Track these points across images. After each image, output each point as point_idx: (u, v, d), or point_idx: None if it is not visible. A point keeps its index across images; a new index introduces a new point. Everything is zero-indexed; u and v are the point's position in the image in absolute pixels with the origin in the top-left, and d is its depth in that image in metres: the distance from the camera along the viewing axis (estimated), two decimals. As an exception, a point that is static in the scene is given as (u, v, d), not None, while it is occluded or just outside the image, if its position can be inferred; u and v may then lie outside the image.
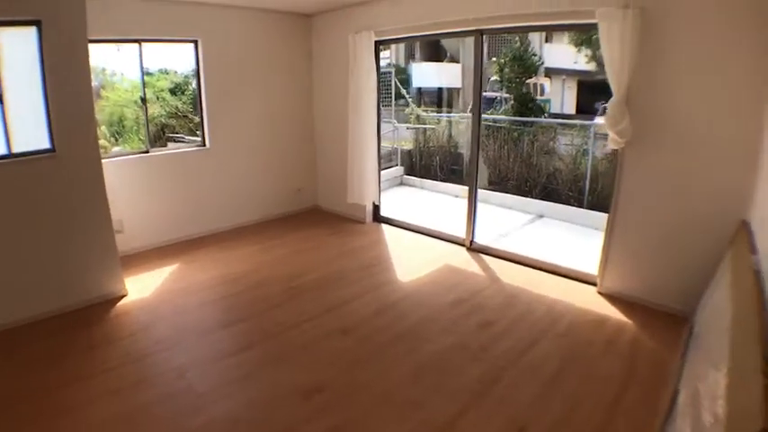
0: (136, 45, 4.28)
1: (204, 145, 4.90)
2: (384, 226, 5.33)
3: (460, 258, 4.37)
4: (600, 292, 3.64)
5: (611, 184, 3.56)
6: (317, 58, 5.54)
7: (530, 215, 6.19)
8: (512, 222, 5.83)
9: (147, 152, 4.56)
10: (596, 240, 3.83)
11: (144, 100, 4.54)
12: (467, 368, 2.73)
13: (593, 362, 2.79)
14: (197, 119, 5.00)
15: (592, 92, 9.48)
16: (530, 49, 8.70)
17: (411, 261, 4.30)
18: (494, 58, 9.00)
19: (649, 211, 3.32)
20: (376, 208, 5.41)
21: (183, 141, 6.23)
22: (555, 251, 4.42)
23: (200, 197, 4.89)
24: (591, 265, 3.82)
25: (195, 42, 4.64)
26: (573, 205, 6.19)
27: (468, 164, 5.20)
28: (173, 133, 6.70)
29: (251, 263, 4.28)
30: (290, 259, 4.38)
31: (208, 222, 5.01)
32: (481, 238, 4.58)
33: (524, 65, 8.28)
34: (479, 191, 4.68)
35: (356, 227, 5.31)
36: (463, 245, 4.61)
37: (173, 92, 6.72)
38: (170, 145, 6.05)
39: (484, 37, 4.12)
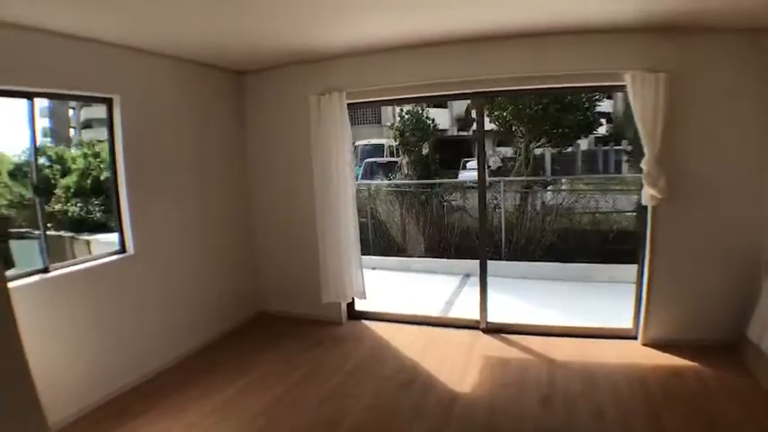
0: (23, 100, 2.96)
1: (124, 250, 3.56)
2: (367, 323, 4.70)
3: (486, 343, 4.17)
4: (645, 344, 3.93)
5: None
6: (253, 125, 4.76)
7: (457, 276, 6.43)
8: (450, 288, 5.95)
9: (47, 270, 3.06)
10: (564, 289, 4.14)
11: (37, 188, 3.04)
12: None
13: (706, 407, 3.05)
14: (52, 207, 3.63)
15: (450, 149, 10.71)
16: (423, 114, 9.29)
17: (443, 363, 3.84)
18: (387, 123, 9.30)
19: (683, 256, 3.79)
20: (350, 303, 4.73)
21: (31, 237, 4.46)
22: (553, 311, 4.62)
23: (127, 327, 3.52)
24: (621, 320, 4.16)
25: (110, 101, 3.43)
26: (494, 258, 6.63)
27: (479, 234, 4.99)
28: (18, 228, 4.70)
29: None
30: (288, 416, 3.21)
31: (141, 362, 3.61)
32: (494, 317, 4.43)
33: (422, 128, 8.75)
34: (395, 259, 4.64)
35: (335, 331, 4.55)
36: (477, 327, 4.40)
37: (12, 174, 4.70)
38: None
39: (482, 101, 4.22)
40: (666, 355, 3.74)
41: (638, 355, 3.82)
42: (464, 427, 3.01)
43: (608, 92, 7.26)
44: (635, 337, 4.03)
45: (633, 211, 7.06)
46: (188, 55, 3.90)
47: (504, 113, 7.63)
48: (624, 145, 13.07)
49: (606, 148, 9.12)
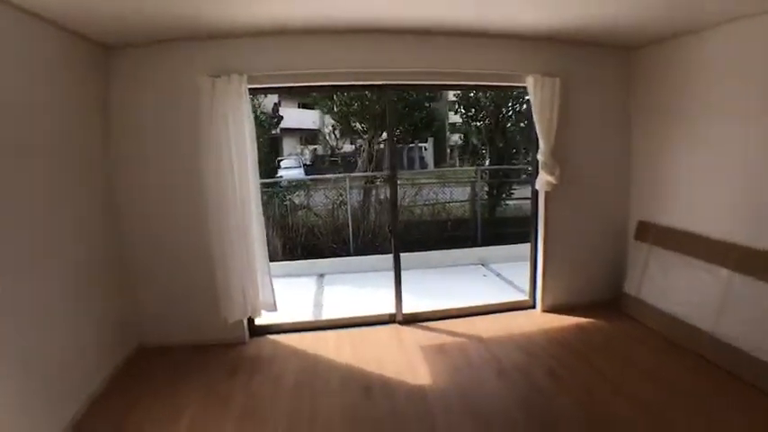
0: None
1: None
2: (273, 337, 4.26)
3: (411, 334, 4.29)
4: (544, 311, 4.66)
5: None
6: (123, 113, 3.81)
7: (311, 277, 6.40)
8: (310, 290, 5.92)
9: None
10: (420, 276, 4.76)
11: None
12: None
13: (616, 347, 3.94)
14: None
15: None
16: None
17: (384, 361, 3.81)
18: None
19: (570, 233, 4.62)
20: (250, 319, 4.20)
21: None
22: (435, 297, 4.99)
23: None
24: (517, 294, 4.86)
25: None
26: (341, 255, 6.84)
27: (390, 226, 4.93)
28: None
29: None
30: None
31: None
32: (401, 308, 4.55)
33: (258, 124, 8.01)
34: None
35: (243, 352, 4.01)
36: (393, 321, 4.49)
37: None
38: None
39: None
40: (566, 317, 4.54)
41: (544, 320, 4.53)
42: (454, 419, 3.05)
43: (510, 91, 8.11)
44: (533, 307, 4.76)
45: (467, 201, 8.09)
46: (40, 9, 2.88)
47: (350, 109, 7.85)
48: (455, 142, 14.70)
49: (412, 145, 10.19)
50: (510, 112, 8.58)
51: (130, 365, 3.80)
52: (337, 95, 7.63)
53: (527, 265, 4.80)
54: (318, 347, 4.08)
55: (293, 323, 4.47)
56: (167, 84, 3.81)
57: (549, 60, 4.24)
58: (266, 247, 4.04)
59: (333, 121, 8.79)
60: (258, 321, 4.28)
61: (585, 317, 4.52)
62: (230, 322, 3.94)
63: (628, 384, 3.38)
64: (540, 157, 4.30)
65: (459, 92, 8.53)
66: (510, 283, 6.00)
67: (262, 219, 4.01)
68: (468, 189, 8.21)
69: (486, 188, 8.33)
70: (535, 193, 4.62)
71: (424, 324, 4.47)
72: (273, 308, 4.09)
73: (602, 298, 4.77)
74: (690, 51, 3.97)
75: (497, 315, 4.66)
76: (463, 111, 8.89)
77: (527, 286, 4.90)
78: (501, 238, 7.60)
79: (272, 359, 3.89)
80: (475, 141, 9.61)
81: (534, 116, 4.22)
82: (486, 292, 5.44)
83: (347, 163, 9.35)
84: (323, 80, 4.08)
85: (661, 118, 4.33)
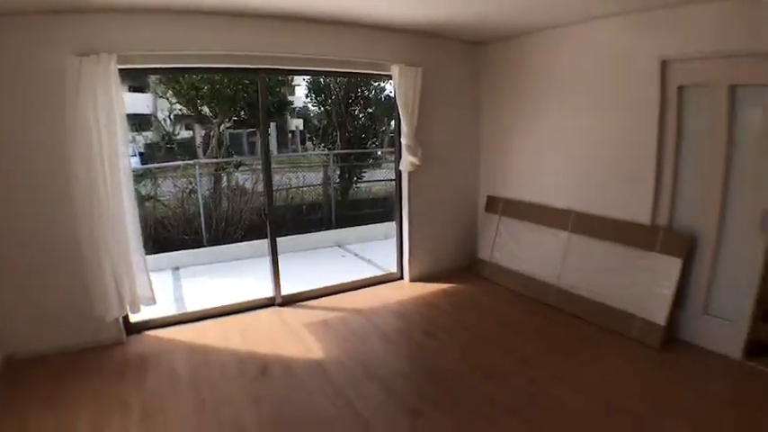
0: None
1: None
2: (152, 333, 4.14)
3: (293, 314, 4.52)
4: (412, 281, 5.30)
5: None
6: None
7: (165, 271, 6.17)
8: (167, 284, 5.76)
9: None
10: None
11: None
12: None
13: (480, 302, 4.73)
14: None
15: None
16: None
17: (275, 342, 4.00)
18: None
19: (431, 208, 5.29)
20: (125, 317, 4.00)
21: None
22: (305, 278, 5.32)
23: None
24: (377, 271, 5.51)
25: None
26: (194, 247, 6.71)
27: (266, 211, 4.83)
28: None
29: None
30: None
31: None
32: (280, 290, 4.76)
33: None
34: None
35: (124, 352, 3.84)
36: (273, 303, 4.68)
37: None
38: None
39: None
40: (432, 284, 5.24)
41: (413, 289, 5.17)
42: (356, 384, 3.38)
43: (378, 79, 8.17)
44: (401, 278, 5.38)
45: (320, 185, 8.36)
46: None
47: (199, 92, 7.43)
48: (296, 126, 14.45)
49: (252, 130, 10.02)
50: (359, 98, 9.09)
51: (2, 380, 3.42)
52: (184, 78, 7.29)
53: (382, 244, 5.42)
54: (204, 338, 4.11)
55: (170, 317, 4.41)
56: (25, 62, 3.45)
57: (412, 51, 4.79)
58: (141, 238, 3.90)
59: (170, 105, 8.38)
60: (133, 318, 4.12)
61: (449, 282, 5.27)
62: (108, 321, 3.77)
63: (495, 335, 4.10)
64: (403, 140, 4.83)
65: (308, 77, 8.78)
66: (369, 261, 6.52)
67: (135, 207, 3.88)
68: (321, 174, 8.54)
69: (338, 172, 8.76)
70: (399, 174, 5.16)
71: (303, 304, 4.77)
72: (153, 301, 4.01)
73: (461, 265, 5.63)
74: (529, 49, 4.88)
75: (369, 289, 5.17)
76: (314, 96, 9.18)
77: (385, 263, 5.53)
78: (355, 220, 8.08)
79: (158, 355, 3.82)
80: (316, 124, 9.96)
81: (398, 102, 4.73)
82: (349, 271, 5.83)
83: (185, 150, 8.91)
84: (196, 62, 4.07)
85: (505, 105, 5.22)
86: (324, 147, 9.33)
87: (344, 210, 8.46)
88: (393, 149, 5.39)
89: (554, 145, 4.81)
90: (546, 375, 3.49)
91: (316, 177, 8.69)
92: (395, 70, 4.66)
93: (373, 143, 9.54)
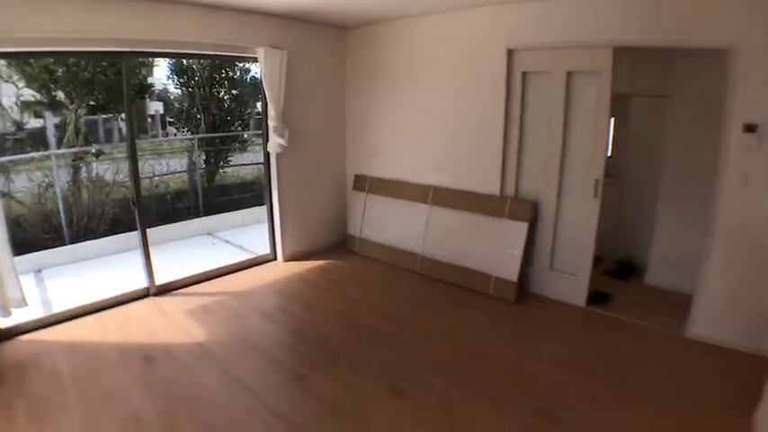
0: None
1: None
2: (25, 338, 3.85)
3: (170, 303, 4.51)
4: (286, 261, 5.50)
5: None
6: None
7: (26, 275, 5.61)
8: (30, 286, 5.34)
9: None
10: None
11: None
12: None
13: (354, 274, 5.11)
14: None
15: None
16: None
17: (156, 331, 3.98)
18: None
19: (301, 189, 5.48)
20: None
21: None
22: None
23: None
24: (260, 250, 5.59)
25: None
26: (55, 246, 6.20)
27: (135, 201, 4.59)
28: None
29: None
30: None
31: None
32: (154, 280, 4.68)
33: None
34: None
35: (3, 361, 3.53)
36: (147, 294, 4.60)
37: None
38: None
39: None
40: (306, 262, 5.50)
41: (288, 268, 5.37)
42: (242, 359, 3.56)
43: (244, 62, 7.71)
44: (275, 259, 5.53)
45: (185, 171, 8.08)
46: None
47: (53, 76, 6.64)
48: (155, 110, 13.36)
49: (108, 116, 9.17)
50: (224, 79, 8.88)
51: None
52: (36, 60, 6.54)
53: (253, 229, 5.55)
54: (81, 335, 3.94)
55: (42, 318, 4.11)
56: None
57: (278, 35, 4.90)
58: (7, 236, 3.63)
59: (16, 90, 7.47)
60: (3, 324, 3.82)
61: (322, 259, 5.56)
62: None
63: (370, 303, 4.49)
64: (270, 122, 4.96)
65: (170, 59, 8.37)
66: (240, 247, 6.53)
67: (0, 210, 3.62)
68: (185, 160, 8.25)
69: (204, 157, 8.55)
70: (267, 156, 5.26)
71: (179, 292, 4.73)
72: (23, 303, 3.78)
73: (333, 241, 5.93)
74: (389, 34, 5.25)
75: (245, 272, 5.28)
76: (176, 77, 8.79)
77: (257, 247, 5.69)
78: (224, 207, 7.95)
79: (35, 357, 3.60)
80: (178, 108, 9.53)
81: (264, 84, 4.84)
82: (221, 258, 5.78)
83: (36, 140, 8.01)
84: (55, 46, 3.79)
85: (368, 88, 5.56)
86: (187, 131, 9.00)
87: (212, 196, 8.24)
88: (260, 132, 5.48)
89: (412, 126, 5.28)
90: (415, 330, 3.97)
91: (180, 164, 8.39)
92: (260, 53, 4.74)
93: (240, 126, 9.41)
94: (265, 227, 5.55)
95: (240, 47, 4.77)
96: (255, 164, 9.24)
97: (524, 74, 4.49)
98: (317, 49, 5.41)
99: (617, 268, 5.37)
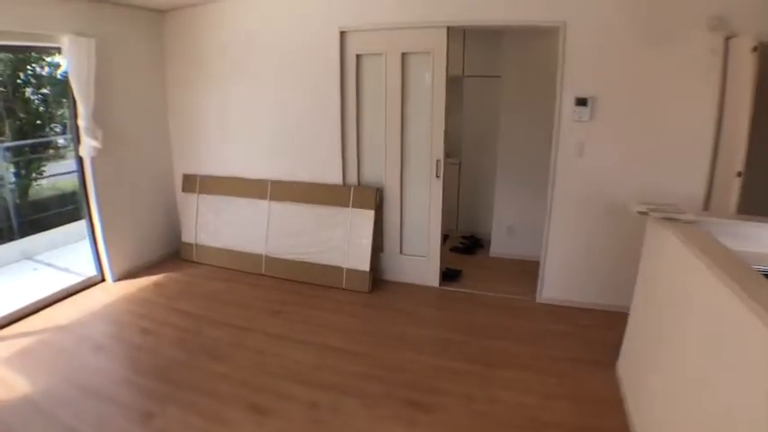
0: None
1: None
2: None
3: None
4: (117, 280, 4.79)
5: None
6: None
7: None
8: None
9: None
10: None
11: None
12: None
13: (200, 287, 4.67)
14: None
15: None
16: None
17: None
18: None
19: (123, 196, 4.82)
20: None
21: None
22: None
23: None
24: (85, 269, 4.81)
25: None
26: None
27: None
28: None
29: None
30: None
31: None
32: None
33: None
34: None
35: None
36: None
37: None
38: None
39: None
40: (139, 279, 4.85)
41: (119, 289, 4.65)
42: (76, 408, 2.98)
43: (46, 53, 6.17)
44: (104, 280, 4.77)
45: None
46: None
47: None
48: None
49: None
50: (31, 77, 7.57)
51: None
52: None
53: (79, 247, 4.79)
54: None
55: None
56: None
57: (84, 21, 4.18)
58: None
59: None
60: None
61: (157, 273, 4.94)
62: None
63: (213, 315, 4.06)
64: (81, 122, 4.24)
65: None
66: (66, 270, 5.53)
67: None
68: None
69: (13, 169, 7.28)
70: (80, 162, 4.52)
71: None
72: None
73: (166, 252, 5.33)
74: (210, 17, 4.76)
75: (71, 299, 4.46)
76: None
77: (86, 267, 4.84)
78: (41, 224, 6.86)
79: None
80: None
81: (71, 79, 4.11)
82: (45, 287, 4.81)
83: None
84: None
85: (191, 78, 5.00)
86: None
87: (27, 214, 7.15)
88: (48, 139, 4.72)
89: (242, 117, 4.88)
90: (266, 338, 3.67)
91: None
92: (64, 42, 4.01)
93: (52, 130, 8.18)
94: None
95: (40, 35, 3.97)
96: (74, 172, 8.07)
97: (358, 56, 4.31)
98: (130, 35, 4.72)
99: (463, 244, 5.51)
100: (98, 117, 4.29)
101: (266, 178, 4.83)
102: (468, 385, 3.06)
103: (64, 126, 8.66)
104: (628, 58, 3.59)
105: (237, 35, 4.69)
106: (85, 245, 4.78)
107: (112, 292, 4.60)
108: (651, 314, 2.68)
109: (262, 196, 4.82)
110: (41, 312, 4.23)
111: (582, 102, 3.72)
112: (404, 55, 4.17)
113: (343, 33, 4.26)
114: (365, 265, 4.38)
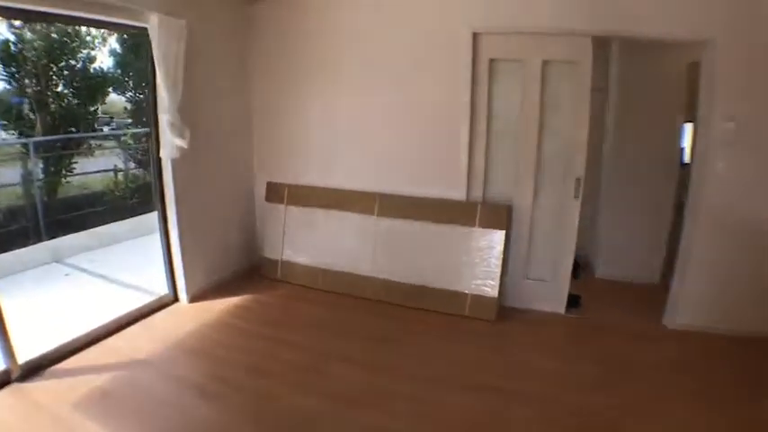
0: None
1: None
2: None
3: (47, 393, 2.86)
4: (192, 301, 4.06)
5: None
6: None
7: None
8: None
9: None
10: None
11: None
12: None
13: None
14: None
15: None
16: None
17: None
18: None
19: (204, 205, 4.13)
20: None
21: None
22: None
23: None
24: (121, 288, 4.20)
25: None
26: None
27: None
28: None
29: None
30: None
31: None
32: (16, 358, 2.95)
33: None
34: None
35: None
36: (8, 381, 2.88)
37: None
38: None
39: None
40: (218, 300, 4.12)
41: (198, 312, 3.92)
42: None
43: (86, 46, 5.27)
44: (177, 300, 4.06)
45: (18, 184, 5.90)
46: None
47: None
48: None
49: None
50: (64, 69, 6.70)
51: None
52: None
53: (111, 252, 4.15)
54: None
55: None
56: None
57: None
58: None
59: None
60: None
61: (237, 293, 4.23)
62: None
63: (331, 349, 3.41)
64: (165, 116, 3.53)
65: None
66: (102, 277, 4.89)
67: None
68: (19, 169, 6.07)
69: (42, 165, 6.42)
70: (157, 164, 3.81)
71: (55, 369, 3.09)
72: None
73: (242, 268, 4.65)
74: (318, 7, 4.11)
75: (139, 325, 3.69)
76: (1, 66, 6.37)
77: (129, 275, 4.30)
78: (71, 225, 6.00)
79: None
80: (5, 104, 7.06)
81: (157, 65, 3.41)
82: (83, 297, 4.30)
83: None
84: None
85: (288, 74, 4.37)
86: (18, 133, 6.75)
87: (56, 212, 6.29)
88: (110, 133, 4.01)
89: (349, 123, 4.24)
90: (412, 381, 3.03)
91: (11, 174, 6.19)
92: (153, 21, 3.31)
93: (86, 126, 7.32)
94: (128, 246, 4.15)
95: (123, 9, 3.23)
96: (104, 171, 7.35)
97: (492, 61, 3.75)
98: (216, 18, 4.03)
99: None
100: (184, 112, 3.59)
101: (374, 191, 4.18)
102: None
103: (92, 124, 7.82)
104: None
105: (349, 30, 4.08)
106: (116, 250, 4.09)
107: (192, 315, 3.88)
108: None
109: (368, 211, 4.15)
110: (108, 340, 3.46)
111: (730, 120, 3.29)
112: (544, 63, 3.64)
113: (476, 35, 3.69)
114: (493, 291, 3.79)
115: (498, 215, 3.80)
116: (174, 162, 3.75)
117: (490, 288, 3.80)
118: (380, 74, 4.04)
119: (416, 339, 3.57)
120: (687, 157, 4.54)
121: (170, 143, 3.61)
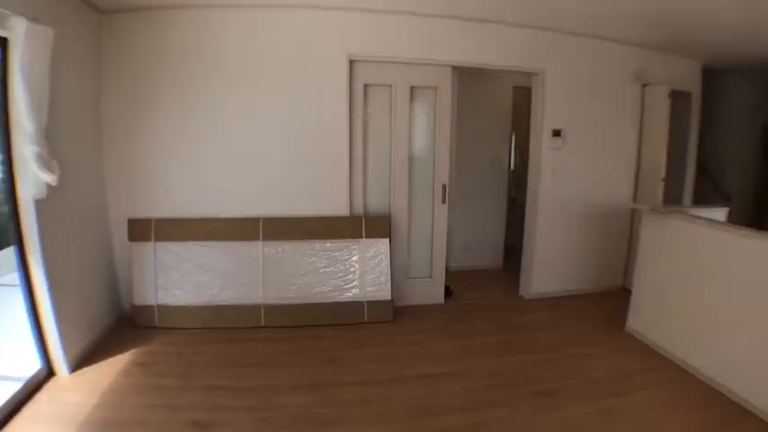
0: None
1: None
2: None
3: None
4: (74, 370, 3.27)
5: None
6: None
7: None
8: None
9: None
10: None
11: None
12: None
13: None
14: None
15: None
16: None
17: None
18: None
19: (69, 254, 3.41)
20: None
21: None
22: None
23: None
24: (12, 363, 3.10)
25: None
26: None
27: None
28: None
29: None
30: None
31: None
32: None
33: None
34: None
35: None
36: None
37: None
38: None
39: None
40: (105, 362, 3.41)
41: (87, 384, 3.14)
42: None
43: None
44: (52, 374, 3.20)
45: None
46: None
47: None
48: None
49: None
50: None
51: None
52: None
53: None
54: None
55: None
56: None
57: (37, 4, 2.92)
58: None
59: None
60: None
61: (118, 351, 3.54)
62: None
63: (267, 382, 3.20)
64: (29, 146, 2.83)
65: None
66: None
67: None
68: None
69: None
70: (13, 207, 2.99)
71: None
72: None
73: (110, 322, 3.92)
74: (178, 27, 3.88)
75: (21, 418, 2.73)
76: None
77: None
78: None
79: None
80: None
81: (21, 82, 2.74)
82: None
83: None
84: None
85: (146, 90, 3.91)
86: None
87: None
88: None
89: (227, 145, 4.05)
90: (364, 387, 3.18)
91: None
92: (19, 27, 2.69)
93: None
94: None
95: None
96: None
97: (366, 86, 4.23)
98: (69, 34, 3.33)
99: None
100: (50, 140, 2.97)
101: (257, 215, 4.07)
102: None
103: None
104: (584, 101, 4.65)
105: (216, 50, 3.94)
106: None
107: (84, 387, 3.09)
108: (664, 275, 3.66)
109: (252, 237, 4.03)
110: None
111: (557, 133, 4.57)
112: (412, 88, 4.29)
113: (352, 62, 4.08)
114: (387, 294, 4.18)
115: (382, 225, 4.23)
116: (39, 204, 3.03)
117: (384, 292, 4.19)
118: (257, 95, 4.01)
119: (341, 352, 3.68)
120: (512, 162, 5.97)
121: (35, 180, 2.93)
